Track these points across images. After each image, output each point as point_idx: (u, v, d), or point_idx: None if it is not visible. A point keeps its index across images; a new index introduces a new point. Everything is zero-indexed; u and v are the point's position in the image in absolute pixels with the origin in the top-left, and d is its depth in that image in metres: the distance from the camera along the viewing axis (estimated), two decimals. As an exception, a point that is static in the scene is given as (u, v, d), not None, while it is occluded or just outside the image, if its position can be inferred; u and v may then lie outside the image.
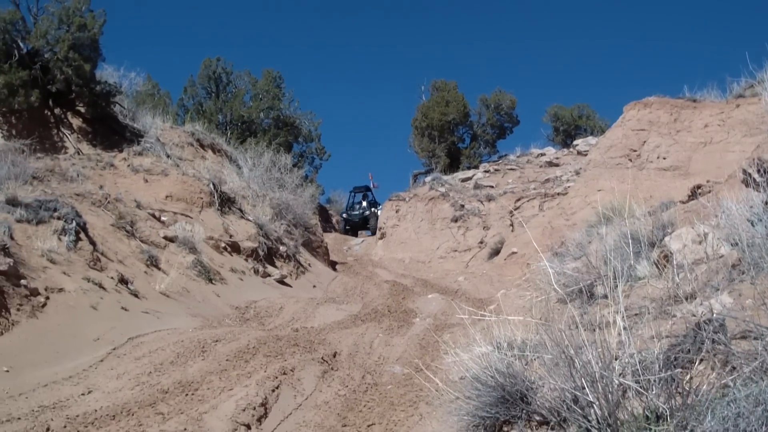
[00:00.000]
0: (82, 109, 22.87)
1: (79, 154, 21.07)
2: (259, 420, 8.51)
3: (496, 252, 29.22)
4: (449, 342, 12.76)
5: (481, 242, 31.73)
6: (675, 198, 16.03)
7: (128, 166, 21.11)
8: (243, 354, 10.95)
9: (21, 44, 21.53)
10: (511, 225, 32.01)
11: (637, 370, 4.12)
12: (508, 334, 6.17)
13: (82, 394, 8.93)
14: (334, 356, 11.77)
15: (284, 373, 10.06)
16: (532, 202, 32.92)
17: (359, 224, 43.34)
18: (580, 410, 4.25)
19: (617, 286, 5.06)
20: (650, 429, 3.86)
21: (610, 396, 4.02)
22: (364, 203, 44.31)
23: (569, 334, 4.57)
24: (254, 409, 8.60)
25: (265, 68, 41.78)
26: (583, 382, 4.17)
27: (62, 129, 21.93)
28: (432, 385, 7.09)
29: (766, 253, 5.21)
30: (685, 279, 5.58)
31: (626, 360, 4.24)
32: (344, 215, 44.15)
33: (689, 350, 4.17)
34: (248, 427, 8.24)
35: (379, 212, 41.43)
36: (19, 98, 20.59)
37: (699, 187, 16.13)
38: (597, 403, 4.06)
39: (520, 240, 27.22)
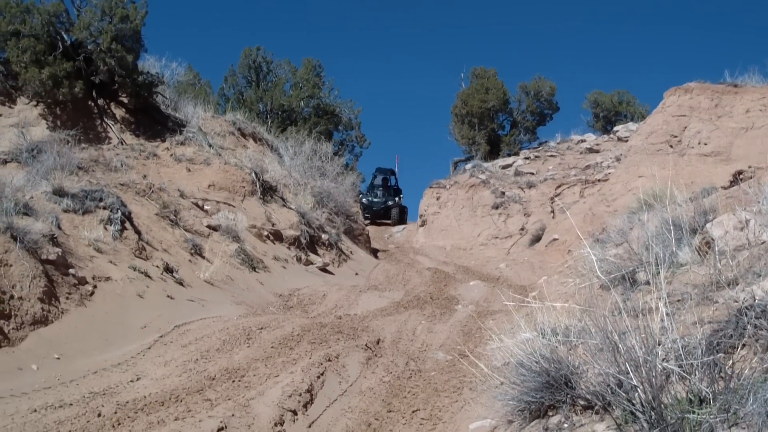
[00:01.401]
0: (125, 100, 23.16)
1: (122, 144, 21.34)
2: (305, 406, 8.62)
3: (537, 239, 29.13)
4: (492, 328, 12.87)
5: (522, 229, 31.65)
6: (716, 184, 15.94)
7: (171, 155, 21.32)
8: (288, 341, 11.06)
9: (65, 36, 21.85)
10: (552, 212, 31.90)
11: (680, 354, 4.17)
12: (552, 320, 6.22)
13: (131, 381, 9.10)
14: (378, 343, 11.86)
15: (329, 360, 10.16)
16: (572, 189, 32.77)
17: (380, 213, 39.87)
18: (624, 394, 4.30)
19: (659, 272, 5.10)
20: (693, 412, 3.91)
21: (653, 380, 4.07)
22: (384, 190, 41.34)
23: (613, 319, 4.62)
24: (300, 395, 8.71)
25: (305, 57, 41.92)
26: (627, 366, 4.21)
27: (106, 119, 22.21)
28: (477, 371, 7.14)
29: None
30: (727, 265, 5.60)
31: (669, 345, 4.29)
32: (364, 200, 38.29)
33: (731, 335, 4.21)
34: (294, 413, 8.35)
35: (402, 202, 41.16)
36: (64, 89, 20.90)
37: (741, 172, 16.06)
38: (641, 387, 4.11)
39: (561, 227, 27.12)
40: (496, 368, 10.43)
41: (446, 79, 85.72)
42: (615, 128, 39.84)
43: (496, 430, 6.71)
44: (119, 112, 22.91)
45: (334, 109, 41.33)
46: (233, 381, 9.10)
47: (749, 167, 16.99)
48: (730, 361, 4.14)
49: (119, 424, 7.58)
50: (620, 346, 4.28)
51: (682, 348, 4.13)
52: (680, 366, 4.10)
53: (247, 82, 40.30)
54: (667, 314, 4.36)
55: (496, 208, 33.56)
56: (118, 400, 8.28)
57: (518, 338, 6.02)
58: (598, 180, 31.70)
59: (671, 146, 22.81)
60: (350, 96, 55.09)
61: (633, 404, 4.21)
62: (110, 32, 21.44)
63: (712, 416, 3.81)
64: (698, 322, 4.40)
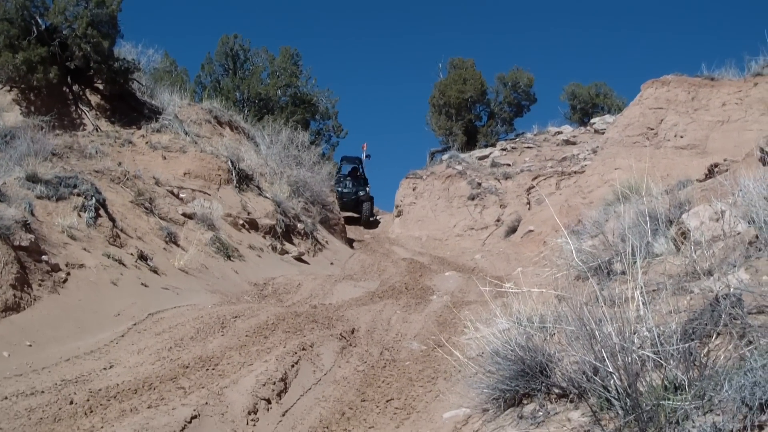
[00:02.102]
0: (101, 86, 22.97)
1: (97, 131, 21.19)
2: (279, 395, 8.61)
3: (512, 230, 29.24)
4: (468, 318, 12.89)
5: (498, 220, 31.73)
6: (692, 177, 16.03)
7: (146, 143, 21.19)
8: (262, 330, 11.04)
9: (39, 21, 21.57)
10: (528, 203, 32.00)
11: (656, 342, 4.17)
12: (527, 309, 6.22)
13: (104, 369, 9.03)
14: (353, 333, 11.87)
15: (303, 349, 10.15)
16: (549, 181, 32.88)
17: (349, 205, 36.40)
18: (600, 381, 4.31)
19: (635, 262, 5.11)
20: (669, 399, 3.92)
21: (629, 367, 4.07)
22: (353, 180, 38.30)
23: (589, 308, 4.62)
24: (274, 383, 8.69)
25: (283, 45, 41.75)
26: (603, 353, 4.22)
27: (81, 106, 22.04)
28: (452, 360, 7.15)
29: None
30: (702, 256, 5.62)
31: (645, 333, 4.30)
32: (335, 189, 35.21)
33: (707, 324, 4.23)
34: (268, 401, 8.33)
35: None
36: (38, 75, 20.71)
37: (716, 165, 16.14)
38: (617, 374, 4.11)
39: (537, 218, 27.23)
40: (471, 358, 10.48)
41: (424, 70, 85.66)
42: (592, 120, 39.98)
43: (470, 419, 6.72)
44: (94, 99, 22.73)
45: (311, 98, 41.20)
46: (207, 369, 9.07)
47: (725, 160, 17.10)
48: (705, 349, 4.16)
49: (91, 411, 7.53)
50: (596, 333, 4.28)
51: (657, 336, 4.14)
52: (656, 353, 4.11)
53: (224, 70, 40.15)
54: (644, 303, 4.37)
55: (473, 199, 33.62)
56: (90, 387, 8.22)
57: (494, 327, 6.01)
58: (575, 172, 31.82)
59: (648, 138, 22.92)
60: (327, 85, 55.01)
61: (609, 391, 4.22)
62: (86, 17, 21.24)
63: (687, 402, 3.82)
64: (673, 311, 4.41)
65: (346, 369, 10.04)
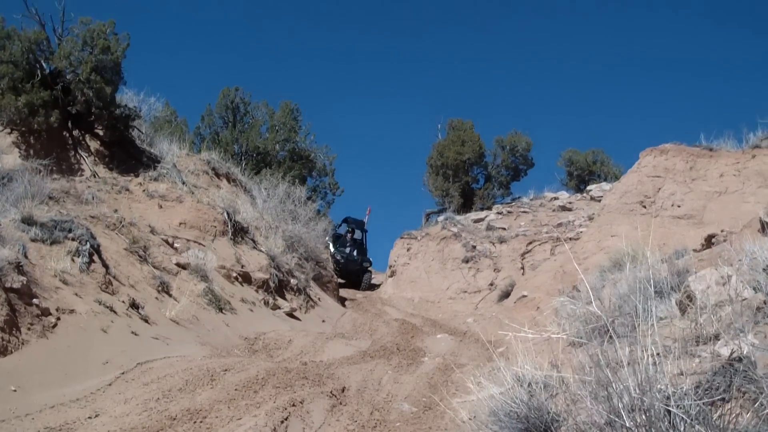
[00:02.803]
0: (101, 132, 22.92)
1: (95, 176, 21.09)
2: (267, 451, 8.44)
3: (506, 294, 29.06)
4: (461, 380, 12.77)
5: (492, 284, 31.58)
6: (689, 246, 15.96)
7: (143, 191, 21.11)
8: (252, 384, 10.88)
9: (44, 64, 21.60)
10: (522, 268, 31.89)
11: (671, 401, 4.05)
12: (528, 369, 6.07)
13: (89, 418, 8.87)
14: (343, 391, 11.69)
15: (293, 405, 9.97)
16: (544, 246, 32.80)
17: (351, 274, 34.90)
18: None
19: (641, 323, 5.01)
20: None
21: (656, 424, 3.93)
22: (356, 247, 36.63)
23: (606, 353, 4.51)
24: (262, 439, 8.52)
25: (283, 100, 41.84)
26: (621, 407, 4.09)
27: (80, 151, 21.96)
28: (453, 417, 7.01)
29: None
30: (709, 320, 5.52)
31: (662, 388, 4.17)
32: (338, 256, 34.22)
33: (719, 387, 4.11)
34: (257, 457, 8.16)
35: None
36: (39, 118, 20.65)
37: (713, 236, 16.09)
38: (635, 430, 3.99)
39: (531, 283, 27.08)
40: (463, 422, 10.32)
41: (423, 130, 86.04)
42: (588, 187, 40.08)
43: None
44: (94, 144, 22.67)
45: (309, 154, 41.21)
46: (195, 422, 8.89)
47: (722, 231, 17.03)
48: (718, 412, 4.04)
49: (74, 460, 7.37)
50: (614, 384, 4.15)
51: (671, 394, 4.01)
52: (680, 407, 3.97)
53: (223, 123, 40.15)
54: (654, 363, 4.25)
55: (467, 261, 33.51)
56: (74, 436, 8.06)
57: (493, 388, 5.87)
58: (570, 238, 31.74)
59: (645, 206, 22.88)
60: (326, 141, 55.05)
61: None
62: (90, 63, 21.27)
63: None
64: (684, 373, 4.29)
65: (336, 427, 9.86)
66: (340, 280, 31.99)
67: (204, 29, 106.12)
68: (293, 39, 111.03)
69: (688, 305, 6.08)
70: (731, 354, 4.47)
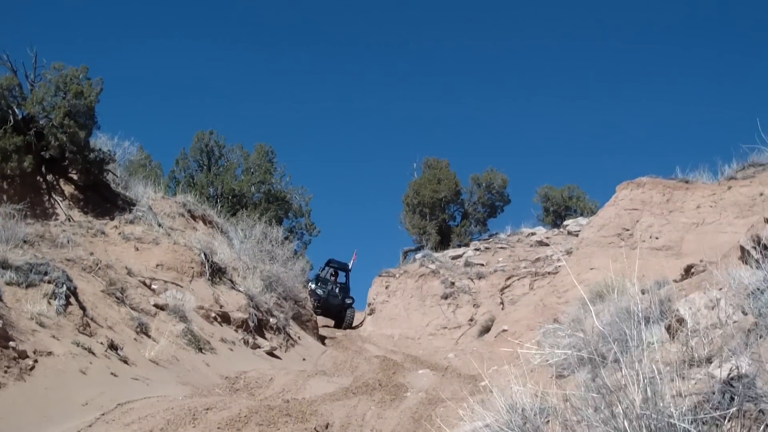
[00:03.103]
0: (75, 176, 22.74)
1: (70, 220, 20.91)
2: (253, 489, 8.31)
3: (486, 329, 29.09)
4: (445, 414, 12.69)
5: (471, 320, 31.63)
6: (668, 277, 15.97)
7: (119, 234, 20.96)
8: (235, 422, 10.75)
9: (16, 110, 21.46)
10: (502, 303, 31.96)
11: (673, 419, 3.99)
12: (520, 397, 5.98)
13: (71, 459, 8.73)
14: (327, 427, 11.55)
15: (278, 442, 9.86)
16: (522, 281, 32.91)
17: (334, 312, 35.30)
18: None
19: (631, 348, 4.96)
20: None
21: None
22: (339, 288, 36.50)
23: (599, 378, 4.44)
24: (248, 477, 8.40)
25: (258, 142, 41.83)
26: (624, 424, 4.02)
27: (54, 195, 21.80)
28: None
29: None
30: (700, 343, 5.48)
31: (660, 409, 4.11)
32: (319, 291, 34.51)
33: (717, 407, 4.06)
34: (242, 495, 8.03)
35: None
36: (12, 164, 20.47)
37: (692, 266, 16.13)
38: None
39: (511, 318, 27.10)
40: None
41: (398, 168, 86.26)
42: (565, 222, 40.35)
43: None
44: (68, 189, 22.52)
45: (284, 195, 41.12)
46: (178, 461, 8.76)
47: (700, 261, 17.07)
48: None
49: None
50: (619, 403, 4.08)
51: (673, 412, 3.95)
52: (693, 422, 3.91)
53: (198, 166, 40.05)
54: (651, 382, 4.19)
55: (446, 298, 33.57)
56: (55, 478, 7.91)
57: (489, 416, 5.79)
58: (548, 272, 31.88)
59: (623, 239, 22.95)
60: (301, 182, 54.87)
61: None
62: (63, 108, 21.15)
63: None
64: (681, 395, 4.24)
65: (322, 464, 9.75)
66: (321, 317, 31.78)
67: (177, 74, 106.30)
68: (266, 82, 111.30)
69: (678, 329, 6.05)
70: (729, 373, 4.42)
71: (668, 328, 6.68)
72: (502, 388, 6.75)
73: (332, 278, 37.11)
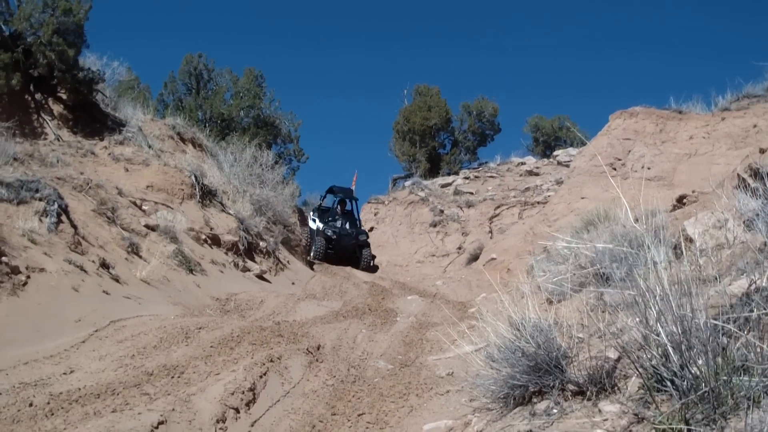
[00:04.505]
0: (64, 96, 22.46)
1: (59, 140, 20.70)
2: (248, 405, 8.30)
3: (474, 258, 29.12)
4: (435, 338, 12.73)
5: (460, 248, 31.66)
6: (660, 208, 15.96)
7: (109, 154, 20.80)
8: (228, 341, 10.74)
9: (3, 27, 21.07)
10: (490, 232, 31.98)
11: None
12: (529, 312, 5.90)
13: (64, 374, 8.69)
14: (318, 348, 11.57)
15: (271, 361, 9.85)
16: (511, 210, 32.93)
17: (345, 249, 29.75)
18: (661, 357, 4.05)
19: (640, 267, 4.91)
20: (740, 375, 3.69)
21: (712, 341, 3.83)
22: (348, 219, 31.44)
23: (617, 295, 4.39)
24: (243, 393, 8.39)
25: (247, 66, 41.45)
26: (659, 324, 3.98)
27: (43, 114, 21.54)
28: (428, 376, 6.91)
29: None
30: (708, 262, 5.45)
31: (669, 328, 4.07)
32: (328, 231, 29.65)
33: (736, 320, 4.01)
34: (237, 410, 8.02)
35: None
36: (0, 81, 20.21)
37: (684, 196, 16.12)
38: (674, 347, 3.89)
39: (500, 246, 27.13)
40: (440, 377, 10.28)
41: (389, 96, 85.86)
42: (555, 153, 40.34)
43: (452, 430, 6.48)
44: (57, 108, 22.25)
45: (274, 120, 40.81)
46: (172, 377, 8.74)
47: (693, 192, 17.06)
48: (737, 345, 3.94)
49: (52, 414, 7.20)
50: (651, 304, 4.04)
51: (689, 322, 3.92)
52: (728, 321, 3.86)
53: (187, 89, 39.69)
54: (662, 299, 4.15)
55: (435, 226, 33.59)
56: (50, 391, 7.88)
57: (502, 327, 5.75)
58: (538, 202, 31.92)
59: (615, 169, 22.89)
60: (291, 108, 54.48)
61: (660, 369, 3.97)
62: (52, 25, 20.79)
63: (762, 379, 3.59)
64: (699, 309, 4.19)
65: (314, 383, 9.75)
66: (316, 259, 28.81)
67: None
68: (255, 7, 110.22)
69: (689, 247, 6.01)
70: (749, 285, 4.39)
71: (675, 249, 6.64)
72: (495, 312, 6.73)
73: (339, 209, 31.93)
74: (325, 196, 33.01)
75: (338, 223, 30.65)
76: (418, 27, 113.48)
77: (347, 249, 29.66)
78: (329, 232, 29.46)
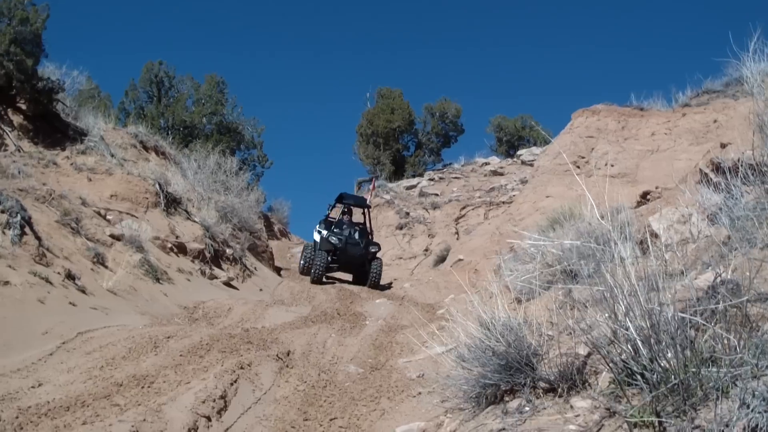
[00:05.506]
0: (23, 106, 22.29)
1: (20, 151, 20.53)
2: (219, 412, 8.27)
3: (441, 259, 29.22)
4: (405, 341, 12.76)
5: (427, 250, 31.76)
6: (624, 204, 16.09)
7: (71, 164, 20.66)
8: (197, 350, 10.70)
9: (-40, 38, 20.95)
10: (457, 233, 32.10)
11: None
12: (498, 312, 5.94)
13: (32, 387, 8.59)
14: (288, 354, 11.56)
15: (242, 368, 9.83)
16: (477, 210, 33.07)
17: (353, 263, 25.94)
18: (630, 351, 4.11)
19: (606, 263, 4.96)
20: (709, 366, 3.75)
21: (680, 333, 3.90)
22: (357, 229, 27.34)
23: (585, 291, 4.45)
24: (214, 401, 8.35)
25: (208, 73, 41.33)
26: (628, 319, 4.05)
27: (2, 125, 21.33)
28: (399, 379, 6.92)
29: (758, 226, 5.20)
30: (674, 257, 5.52)
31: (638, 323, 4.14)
32: (333, 239, 25.64)
33: (703, 313, 4.07)
34: (208, 418, 7.99)
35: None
36: (-43, 93, 20.05)
37: (648, 192, 16.28)
38: (642, 341, 3.95)
39: (467, 247, 27.22)
40: (411, 379, 10.29)
41: (352, 100, 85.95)
42: (519, 152, 40.59)
43: (443, 424, 6.51)
44: (17, 119, 22.07)
45: (236, 126, 40.76)
46: (142, 387, 8.69)
47: (656, 188, 17.21)
48: (705, 337, 4.01)
49: (21, 428, 7.12)
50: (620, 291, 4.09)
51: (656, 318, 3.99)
52: (700, 313, 3.92)
53: (148, 97, 39.53)
54: (632, 294, 4.21)
55: (401, 228, 33.66)
56: (19, 405, 7.78)
57: (472, 327, 5.78)
58: (503, 202, 32.08)
59: (579, 167, 23.06)
60: (254, 114, 53.90)
61: (630, 363, 4.03)
62: (9, 34, 20.65)
63: (730, 369, 3.65)
64: (664, 303, 4.25)
65: (285, 389, 9.75)
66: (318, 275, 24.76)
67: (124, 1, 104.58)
68: (215, 12, 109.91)
69: (653, 242, 6.06)
70: (715, 278, 4.46)
71: (641, 244, 6.71)
72: (464, 312, 6.76)
73: (347, 219, 27.65)
74: (334, 205, 28.88)
75: (345, 232, 26.59)
76: (380, 30, 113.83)
77: (354, 261, 25.95)
78: (333, 240, 25.64)
